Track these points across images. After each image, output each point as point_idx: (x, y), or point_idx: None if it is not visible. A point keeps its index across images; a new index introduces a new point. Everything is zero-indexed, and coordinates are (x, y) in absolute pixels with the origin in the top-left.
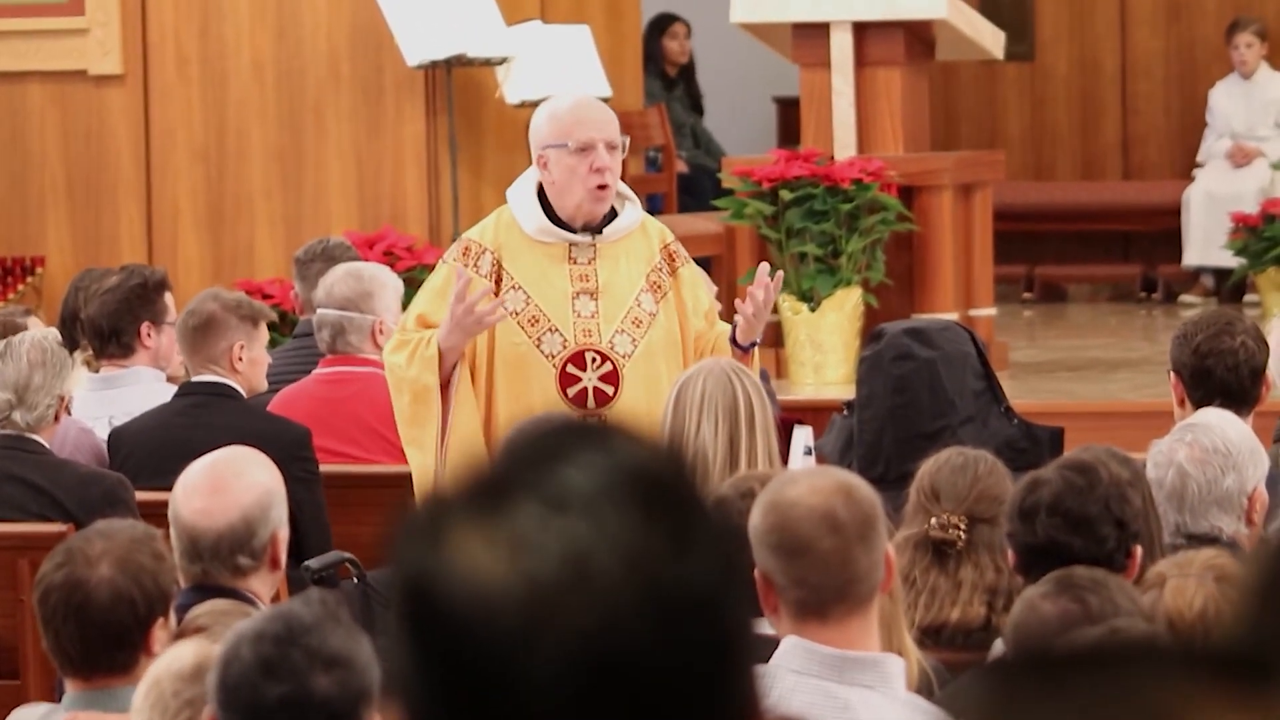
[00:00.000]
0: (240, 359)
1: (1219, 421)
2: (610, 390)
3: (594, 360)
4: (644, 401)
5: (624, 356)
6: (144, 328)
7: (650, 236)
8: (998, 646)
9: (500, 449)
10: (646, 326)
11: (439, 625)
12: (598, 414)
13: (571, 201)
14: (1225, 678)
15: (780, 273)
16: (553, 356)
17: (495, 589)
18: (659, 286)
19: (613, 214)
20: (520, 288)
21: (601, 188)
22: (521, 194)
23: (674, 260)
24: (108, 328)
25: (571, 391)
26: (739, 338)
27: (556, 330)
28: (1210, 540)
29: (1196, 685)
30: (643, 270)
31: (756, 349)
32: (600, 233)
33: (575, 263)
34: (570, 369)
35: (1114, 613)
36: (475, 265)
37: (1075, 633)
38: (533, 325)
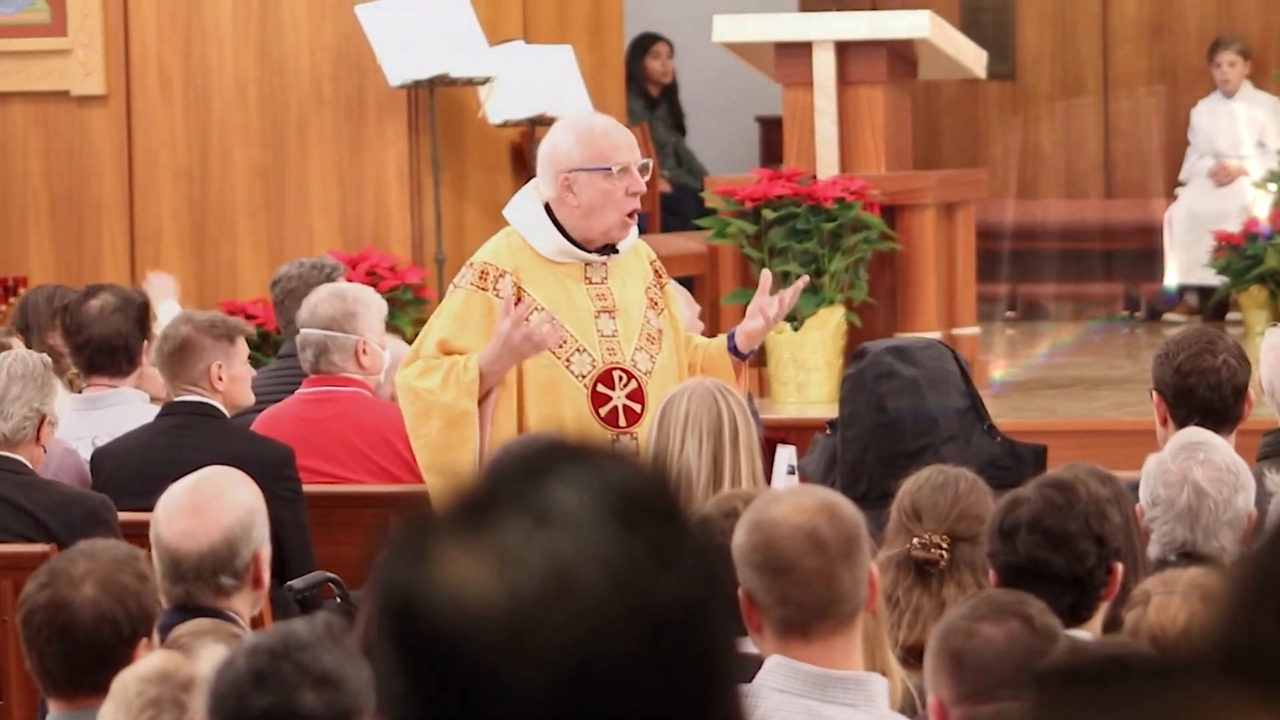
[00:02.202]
0: (220, 378)
1: (1213, 440)
2: (638, 408)
3: (621, 378)
4: None
5: (646, 374)
6: (144, 344)
7: (640, 254)
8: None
9: (486, 467)
10: (659, 342)
11: (423, 638)
12: (629, 432)
13: (601, 225)
14: (1260, 686)
15: (804, 278)
16: (583, 377)
17: (479, 602)
18: (656, 302)
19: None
20: (543, 309)
21: (634, 211)
22: (529, 215)
23: (660, 276)
24: (121, 345)
25: (603, 411)
26: (741, 344)
27: (585, 350)
28: (1211, 560)
29: (1236, 694)
30: (642, 287)
31: (744, 366)
32: (616, 251)
33: (591, 282)
34: (600, 388)
35: (1054, 626)
36: (495, 289)
37: (1037, 653)
38: (560, 346)
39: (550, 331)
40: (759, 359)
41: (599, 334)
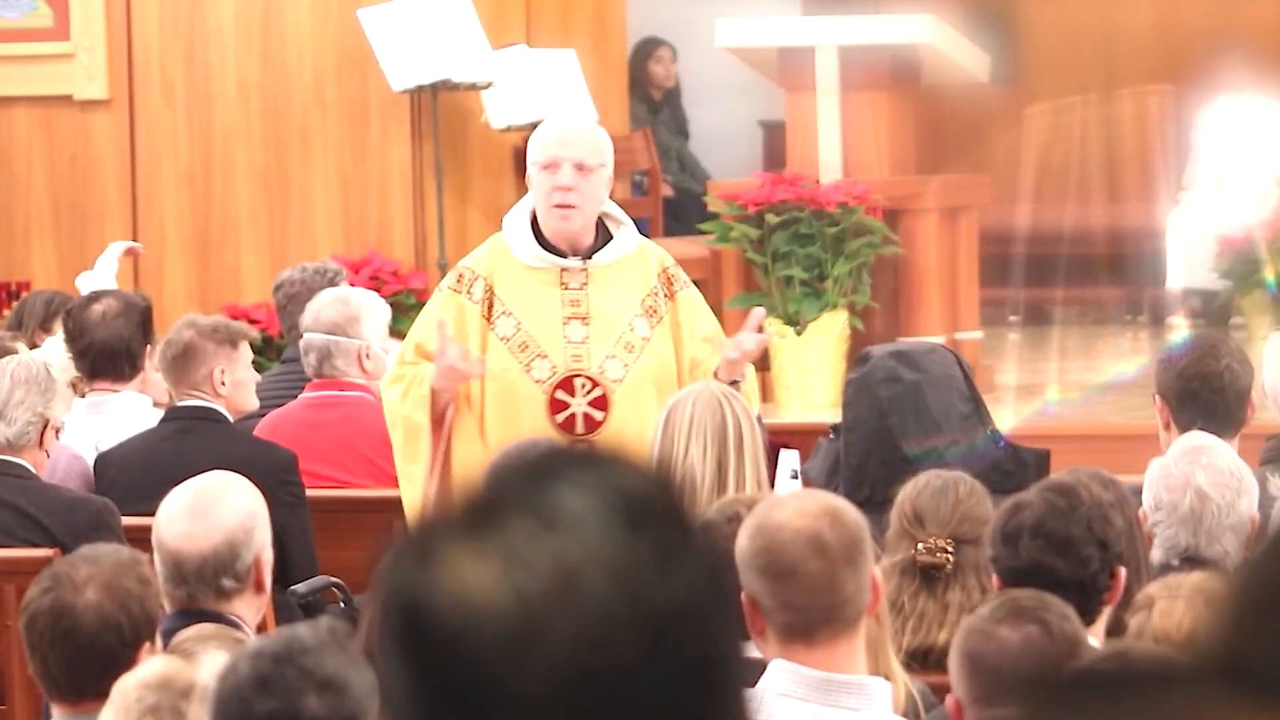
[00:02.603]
0: (223, 383)
1: (1216, 444)
2: (600, 415)
3: (584, 386)
4: (634, 427)
5: (615, 381)
6: (147, 349)
7: (648, 260)
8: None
9: (489, 470)
10: (639, 351)
11: (428, 640)
12: (586, 440)
13: (542, 220)
14: (1262, 693)
15: (766, 335)
16: (542, 382)
17: (484, 604)
18: (654, 311)
19: (608, 238)
20: (511, 313)
21: (561, 206)
22: (516, 220)
23: (672, 284)
24: (123, 350)
25: (560, 417)
26: (721, 376)
27: (546, 356)
28: (1215, 565)
29: (1238, 702)
30: (638, 295)
31: (739, 386)
32: (590, 257)
33: (567, 288)
34: (559, 395)
35: (1073, 631)
36: (469, 292)
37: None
38: (522, 351)
39: (472, 365)
40: (762, 364)
41: (565, 340)
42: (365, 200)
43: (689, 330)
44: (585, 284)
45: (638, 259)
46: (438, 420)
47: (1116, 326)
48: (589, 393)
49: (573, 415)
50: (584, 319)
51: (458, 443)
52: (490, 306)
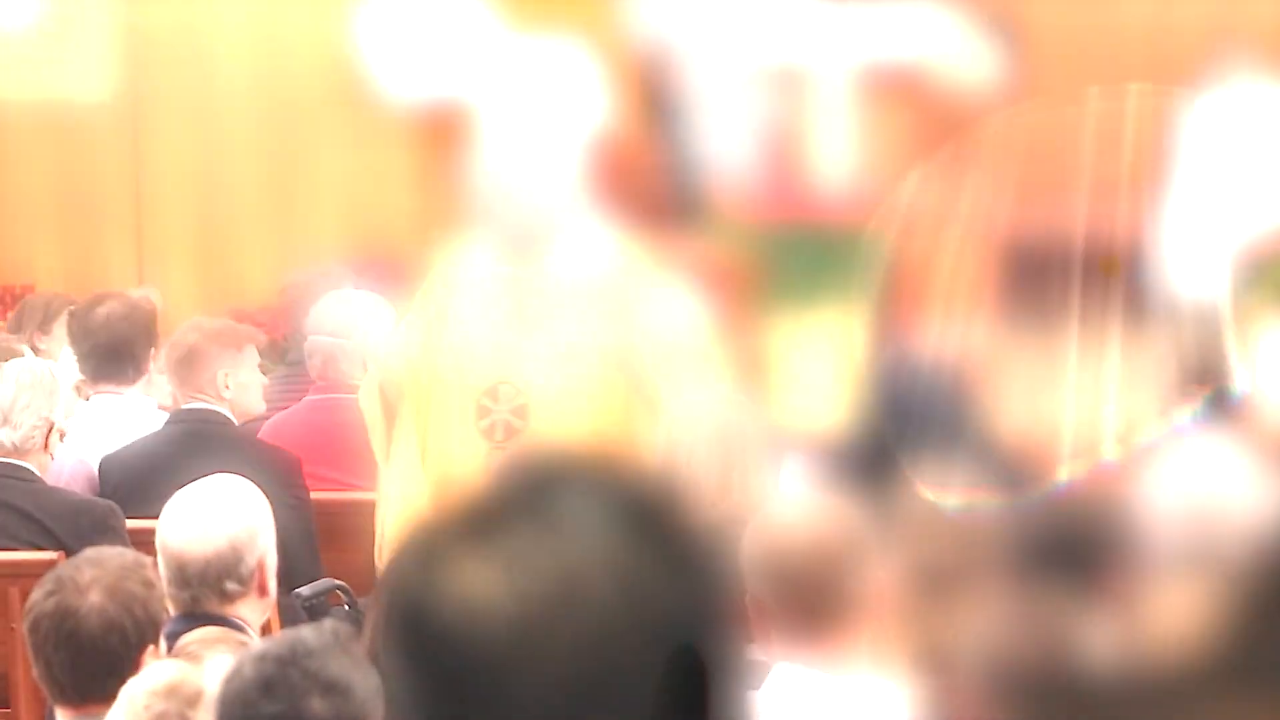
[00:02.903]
0: (228, 386)
1: (1221, 445)
2: (520, 424)
3: (509, 393)
4: (556, 437)
5: (543, 389)
6: (151, 352)
7: (619, 270)
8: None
9: (494, 475)
10: (581, 361)
11: (431, 644)
12: (503, 447)
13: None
14: (1265, 696)
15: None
16: (474, 388)
17: (487, 608)
18: (609, 321)
19: (573, 246)
20: (461, 318)
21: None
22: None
23: (644, 293)
24: (127, 353)
25: (484, 424)
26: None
27: (480, 361)
28: (1219, 568)
29: (1241, 704)
30: (592, 305)
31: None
32: (542, 261)
33: (518, 295)
34: (484, 401)
35: (1078, 635)
36: (433, 295)
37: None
38: (461, 355)
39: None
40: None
41: (501, 347)
42: (370, 203)
43: (651, 341)
44: (535, 291)
45: (602, 268)
46: (390, 415)
47: (1117, 329)
48: (513, 400)
49: (493, 422)
50: (525, 326)
51: (396, 445)
52: (446, 310)
